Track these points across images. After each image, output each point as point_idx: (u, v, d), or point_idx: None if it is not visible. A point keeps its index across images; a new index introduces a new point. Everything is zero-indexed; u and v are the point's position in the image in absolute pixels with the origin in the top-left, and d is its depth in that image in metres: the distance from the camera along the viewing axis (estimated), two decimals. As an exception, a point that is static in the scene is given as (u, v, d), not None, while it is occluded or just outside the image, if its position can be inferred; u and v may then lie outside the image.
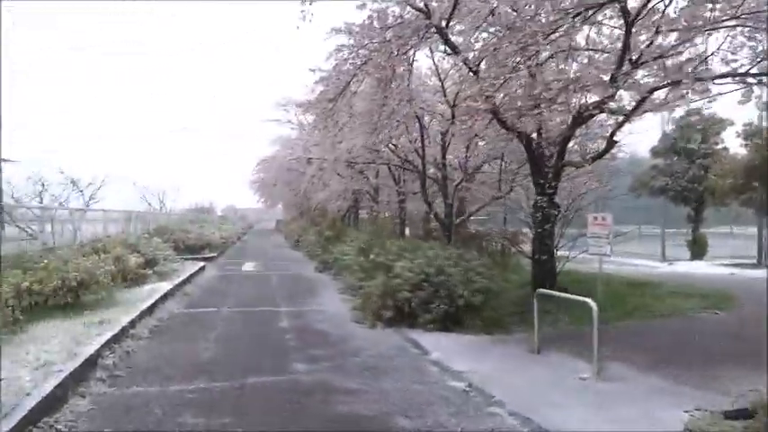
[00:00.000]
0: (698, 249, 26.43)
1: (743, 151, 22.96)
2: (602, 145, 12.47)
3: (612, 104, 10.00)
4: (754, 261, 23.68)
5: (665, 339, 7.89)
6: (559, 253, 11.80)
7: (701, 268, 21.37)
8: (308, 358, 6.88)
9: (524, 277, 12.66)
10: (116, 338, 7.04)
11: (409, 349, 7.47)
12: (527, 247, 14.89)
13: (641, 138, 26.38)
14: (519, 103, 9.39)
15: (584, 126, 10.76)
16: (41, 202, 15.44)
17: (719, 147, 25.81)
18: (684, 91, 7.98)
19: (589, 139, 11.76)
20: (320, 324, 9.19)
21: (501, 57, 8.40)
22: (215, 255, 22.18)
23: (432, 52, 12.93)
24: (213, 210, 49.36)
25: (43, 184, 16.25)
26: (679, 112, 25.58)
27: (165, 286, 11.77)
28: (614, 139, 9.75)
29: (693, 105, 18.36)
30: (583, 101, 9.96)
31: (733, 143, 24.62)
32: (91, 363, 5.91)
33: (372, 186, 22.86)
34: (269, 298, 12.09)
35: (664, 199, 26.69)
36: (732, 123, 25.59)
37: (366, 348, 7.43)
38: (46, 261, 8.82)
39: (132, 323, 8.00)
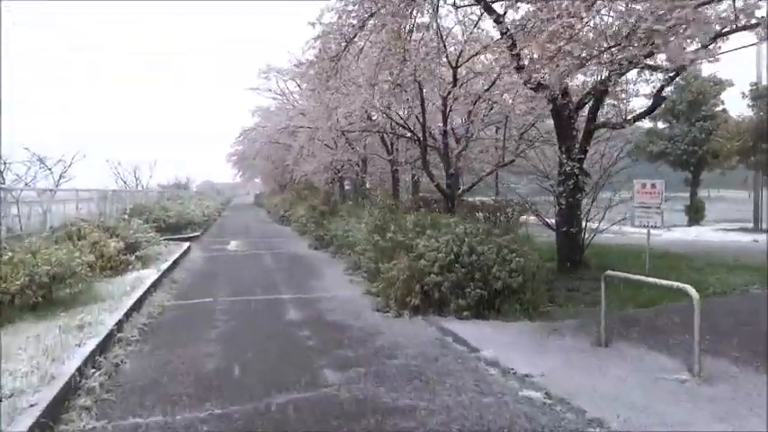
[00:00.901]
0: (695, 214, 25.89)
1: (747, 112, 22.18)
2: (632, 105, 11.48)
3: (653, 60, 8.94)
4: (750, 225, 23.10)
5: (740, 323, 6.84)
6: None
7: (704, 234, 20.64)
8: (337, 363, 5.70)
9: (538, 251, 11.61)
10: (101, 347, 5.77)
11: (452, 345, 6.35)
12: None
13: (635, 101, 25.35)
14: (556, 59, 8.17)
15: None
16: (3, 182, 13.81)
17: (719, 109, 25.08)
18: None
19: (619, 99, 10.65)
20: (336, 314, 8.02)
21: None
22: (199, 233, 20.83)
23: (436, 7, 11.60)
24: (190, 185, 47.28)
25: (5, 162, 14.52)
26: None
27: (151, 274, 10.45)
28: (662, 95, 8.66)
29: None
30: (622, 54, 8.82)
31: (732, 105, 23.86)
32: (72, 386, 4.66)
33: (361, 157, 21.59)
34: (268, 282, 10.85)
35: (660, 163, 25.92)
36: (732, 84, 24.84)
37: (402, 346, 6.29)
38: (11, 253, 7.45)
39: (119, 324, 6.71)
